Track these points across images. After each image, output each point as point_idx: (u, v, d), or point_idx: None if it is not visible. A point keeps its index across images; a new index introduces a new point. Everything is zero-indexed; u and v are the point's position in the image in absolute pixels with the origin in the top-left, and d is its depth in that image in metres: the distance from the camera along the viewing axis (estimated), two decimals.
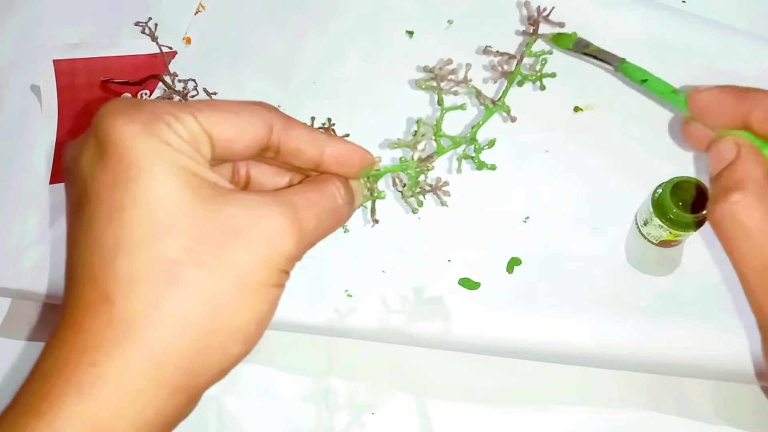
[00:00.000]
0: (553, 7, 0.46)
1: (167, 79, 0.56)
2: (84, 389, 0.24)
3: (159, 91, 0.59)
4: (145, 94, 0.60)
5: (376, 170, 0.36)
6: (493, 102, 0.40)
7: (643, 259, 0.53)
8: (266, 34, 0.61)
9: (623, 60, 0.44)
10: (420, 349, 0.52)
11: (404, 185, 0.39)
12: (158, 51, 0.58)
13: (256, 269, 0.26)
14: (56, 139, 0.59)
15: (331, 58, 0.61)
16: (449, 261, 0.52)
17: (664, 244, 0.52)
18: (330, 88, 0.59)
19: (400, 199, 0.55)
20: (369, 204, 0.38)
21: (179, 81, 0.56)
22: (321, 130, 0.47)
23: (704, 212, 0.49)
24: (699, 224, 0.50)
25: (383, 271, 0.52)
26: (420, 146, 0.38)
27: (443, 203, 0.40)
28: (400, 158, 0.39)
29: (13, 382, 0.52)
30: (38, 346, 0.53)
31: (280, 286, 0.27)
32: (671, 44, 0.58)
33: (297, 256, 0.27)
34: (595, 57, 0.47)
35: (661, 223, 0.50)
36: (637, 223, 0.54)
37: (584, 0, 0.59)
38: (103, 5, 0.64)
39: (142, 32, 0.56)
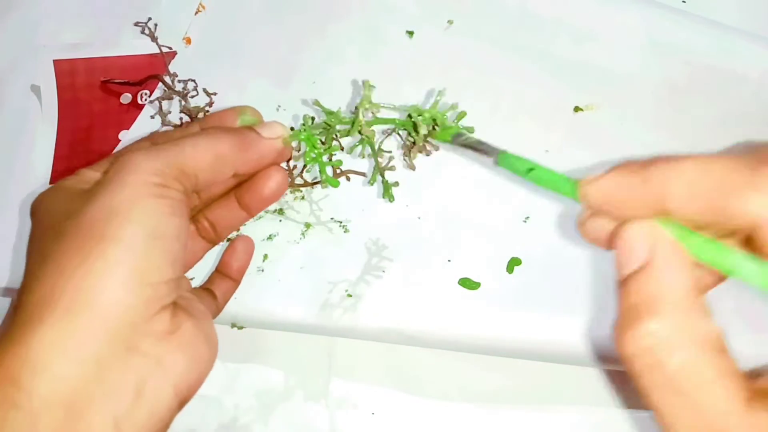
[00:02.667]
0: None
1: (167, 79, 0.56)
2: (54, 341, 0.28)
3: (159, 91, 0.59)
4: (145, 94, 0.60)
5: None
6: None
7: None
8: (266, 34, 0.61)
9: (503, 151, 0.37)
10: (420, 349, 0.52)
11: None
12: (158, 51, 0.57)
13: (123, 190, 0.32)
14: (56, 139, 0.59)
15: (331, 58, 0.61)
16: (449, 261, 0.52)
17: None
18: (330, 88, 0.59)
19: (400, 199, 0.55)
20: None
21: (179, 81, 0.55)
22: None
23: None
24: None
25: (383, 271, 0.52)
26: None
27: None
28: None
29: None
30: None
31: (159, 196, 0.32)
32: (671, 44, 0.58)
33: (162, 170, 0.32)
34: (473, 149, 0.41)
35: None
36: None
37: (584, 0, 0.59)
38: (103, 5, 0.64)
39: (142, 32, 0.56)
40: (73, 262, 0.29)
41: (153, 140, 0.40)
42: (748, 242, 0.25)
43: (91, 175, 0.36)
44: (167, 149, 0.33)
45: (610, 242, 0.27)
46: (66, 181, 0.35)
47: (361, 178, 0.53)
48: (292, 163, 0.54)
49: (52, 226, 0.32)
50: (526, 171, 0.33)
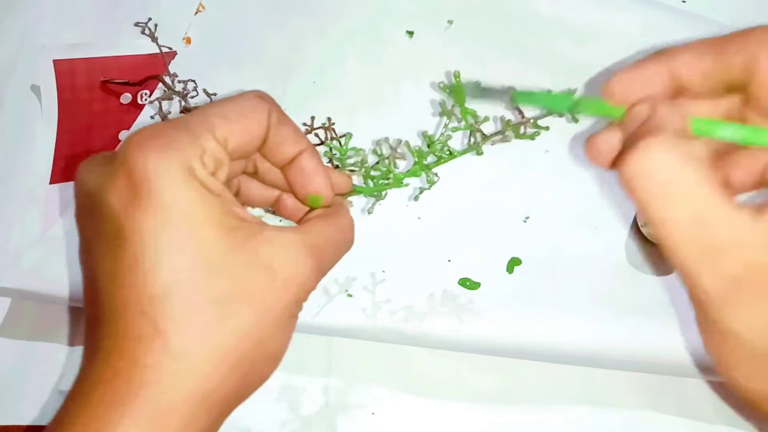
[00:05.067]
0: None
1: (167, 79, 0.56)
2: (138, 419, 0.26)
3: (159, 91, 0.59)
4: (145, 94, 0.60)
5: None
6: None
7: (643, 259, 0.53)
8: (266, 35, 0.61)
9: (511, 88, 0.39)
10: (420, 349, 0.52)
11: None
12: (158, 51, 0.57)
13: (289, 305, 0.28)
14: (56, 139, 0.59)
15: (331, 59, 0.61)
16: (449, 261, 0.52)
17: None
18: (330, 88, 0.59)
19: (401, 199, 0.55)
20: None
21: (179, 81, 0.56)
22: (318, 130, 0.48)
23: None
24: None
25: (383, 271, 0.52)
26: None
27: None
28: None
29: (13, 382, 0.52)
30: (38, 346, 0.53)
31: (296, 317, 0.30)
32: (671, 44, 0.58)
33: (313, 288, 0.30)
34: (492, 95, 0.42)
35: None
36: (637, 223, 0.54)
37: (584, 0, 0.59)
38: (103, 5, 0.64)
39: (142, 32, 0.56)
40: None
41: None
42: (748, 102, 0.30)
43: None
44: (327, 265, 0.32)
45: (610, 160, 0.31)
46: (199, 170, 0.27)
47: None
48: None
49: (100, 235, 0.27)
50: (542, 100, 0.37)
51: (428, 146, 0.43)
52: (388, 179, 0.43)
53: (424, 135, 0.45)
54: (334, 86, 0.59)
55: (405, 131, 0.58)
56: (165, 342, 0.26)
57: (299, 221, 0.35)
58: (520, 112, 0.47)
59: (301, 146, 0.33)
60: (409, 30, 0.61)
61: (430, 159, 0.46)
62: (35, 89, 0.60)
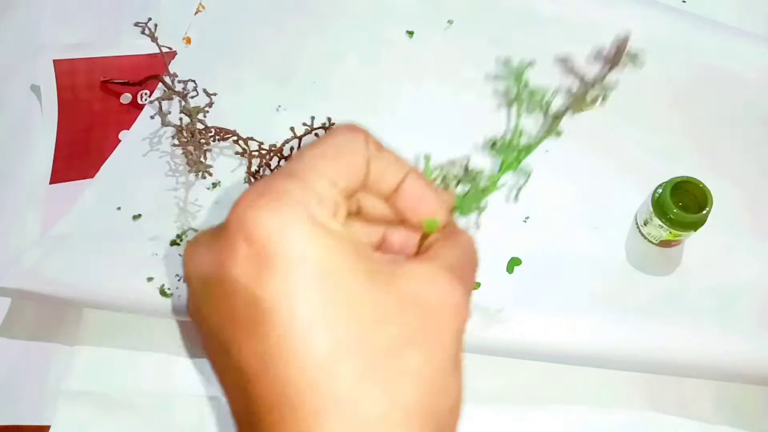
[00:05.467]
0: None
1: (167, 79, 0.56)
2: None
3: (159, 91, 0.59)
4: (145, 94, 0.60)
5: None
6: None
7: (643, 259, 0.53)
8: (266, 34, 0.61)
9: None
10: None
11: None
12: (158, 51, 0.57)
13: (455, 338, 0.25)
14: (56, 139, 0.58)
15: (331, 58, 0.60)
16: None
17: (665, 244, 0.52)
18: (330, 88, 0.59)
19: None
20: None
21: (179, 81, 0.55)
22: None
23: (704, 212, 0.49)
24: (699, 224, 0.50)
25: None
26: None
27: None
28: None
29: (13, 382, 0.52)
30: (38, 346, 0.53)
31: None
32: (671, 44, 0.58)
33: (468, 306, 0.27)
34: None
35: (661, 223, 0.50)
36: (637, 223, 0.54)
37: (584, 0, 0.59)
38: (103, 5, 0.64)
39: (142, 32, 0.56)
40: None
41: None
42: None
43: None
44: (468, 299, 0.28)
45: None
46: (321, 215, 0.25)
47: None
48: None
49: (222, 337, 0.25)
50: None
51: (508, 143, 0.41)
52: (478, 187, 0.40)
53: (494, 144, 0.42)
54: (334, 86, 0.59)
55: (406, 131, 0.58)
56: (349, 409, 0.22)
57: (419, 251, 0.31)
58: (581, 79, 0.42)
59: (404, 170, 0.29)
60: (409, 30, 0.61)
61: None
62: (35, 89, 0.60)
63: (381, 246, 0.31)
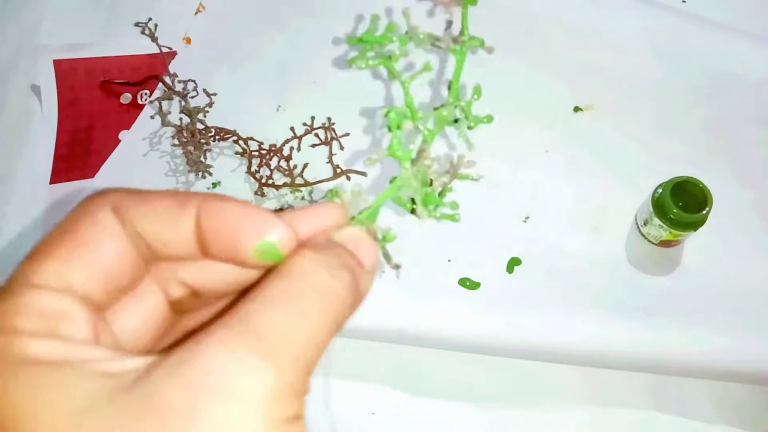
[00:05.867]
0: None
1: (167, 79, 0.56)
2: None
3: (159, 91, 0.59)
4: (145, 94, 0.60)
5: (369, 209, 0.26)
6: (456, 40, 0.30)
7: (643, 259, 0.53)
8: (266, 35, 0.61)
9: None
10: (420, 349, 0.52)
11: (414, 202, 0.30)
12: (158, 51, 0.57)
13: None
14: (56, 139, 0.58)
15: (331, 58, 0.61)
16: (449, 261, 0.52)
17: (664, 244, 0.52)
18: (330, 88, 0.59)
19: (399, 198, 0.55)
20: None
21: (179, 81, 0.56)
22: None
23: (704, 212, 0.49)
24: (699, 224, 0.50)
25: (383, 271, 0.52)
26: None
27: (474, 178, 0.29)
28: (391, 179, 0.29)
29: None
30: None
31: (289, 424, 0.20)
32: (671, 44, 0.58)
33: (290, 385, 0.19)
34: None
35: (661, 223, 0.50)
36: (637, 223, 0.54)
37: (584, 0, 0.59)
38: (103, 5, 0.64)
39: (142, 32, 0.56)
40: None
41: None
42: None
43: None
44: (291, 338, 0.19)
45: None
46: (25, 346, 0.18)
47: (363, 177, 0.53)
48: (292, 163, 0.54)
49: None
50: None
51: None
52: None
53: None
54: (334, 86, 0.59)
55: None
56: None
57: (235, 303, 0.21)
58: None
59: (190, 206, 0.21)
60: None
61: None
62: (35, 89, 0.60)
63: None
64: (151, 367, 0.18)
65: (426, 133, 0.29)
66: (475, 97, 0.31)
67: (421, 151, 0.29)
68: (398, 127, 0.28)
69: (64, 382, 0.18)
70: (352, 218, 0.25)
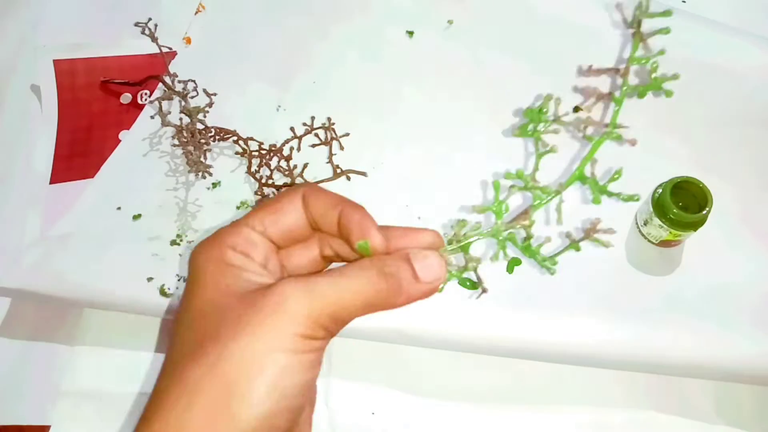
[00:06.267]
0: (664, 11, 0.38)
1: (167, 79, 0.56)
2: None
3: (159, 91, 0.59)
4: (145, 94, 0.60)
5: (457, 244, 0.36)
6: (598, 131, 0.36)
7: (643, 259, 0.53)
8: (266, 34, 0.61)
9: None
10: (420, 349, 0.52)
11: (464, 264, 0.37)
12: (158, 51, 0.57)
13: (265, 335, 0.29)
14: (56, 139, 0.58)
15: (331, 58, 0.61)
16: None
17: (664, 244, 0.52)
18: (330, 87, 0.59)
19: (401, 198, 0.55)
20: (471, 275, 0.37)
21: (179, 81, 0.56)
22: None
23: (704, 212, 0.49)
24: (699, 224, 0.50)
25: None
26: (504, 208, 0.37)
27: (606, 244, 0.37)
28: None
29: (13, 382, 0.52)
30: (38, 346, 0.53)
31: (301, 351, 0.30)
32: (671, 44, 0.58)
33: (314, 318, 0.30)
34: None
35: (660, 223, 0.50)
36: (637, 223, 0.54)
37: (584, 0, 0.59)
38: (103, 5, 0.64)
39: (142, 32, 0.56)
40: (200, 414, 0.29)
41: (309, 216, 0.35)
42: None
43: (257, 253, 0.34)
44: (327, 294, 0.31)
45: None
46: (230, 254, 0.33)
47: (363, 177, 0.53)
48: (292, 163, 0.54)
49: (201, 315, 0.32)
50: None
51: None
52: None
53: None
54: (334, 86, 0.59)
55: (405, 131, 0.58)
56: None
57: None
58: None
59: (340, 206, 0.34)
60: (409, 30, 0.61)
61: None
62: (35, 89, 0.60)
63: None
64: (268, 284, 0.31)
65: (538, 197, 0.37)
66: (615, 177, 0.38)
67: (524, 212, 0.37)
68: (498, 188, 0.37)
69: (233, 276, 0.32)
70: (449, 243, 0.36)
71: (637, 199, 0.36)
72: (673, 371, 0.50)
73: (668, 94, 0.36)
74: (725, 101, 0.57)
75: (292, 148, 0.54)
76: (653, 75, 0.36)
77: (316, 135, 0.54)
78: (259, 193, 0.55)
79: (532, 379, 0.52)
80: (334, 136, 0.54)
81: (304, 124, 0.54)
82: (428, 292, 0.35)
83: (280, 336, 0.30)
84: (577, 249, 0.37)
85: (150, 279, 0.50)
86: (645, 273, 0.52)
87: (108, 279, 0.50)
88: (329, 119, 0.54)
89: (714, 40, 0.58)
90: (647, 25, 0.36)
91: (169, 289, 0.50)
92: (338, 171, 0.53)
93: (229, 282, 0.31)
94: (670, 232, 0.50)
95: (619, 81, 0.36)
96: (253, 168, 0.55)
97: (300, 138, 0.54)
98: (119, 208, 0.55)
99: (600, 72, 0.36)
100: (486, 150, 0.57)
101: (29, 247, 0.52)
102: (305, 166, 0.54)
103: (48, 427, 0.50)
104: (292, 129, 0.54)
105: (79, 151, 0.58)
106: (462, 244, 0.36)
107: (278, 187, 0.55)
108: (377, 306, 0.32)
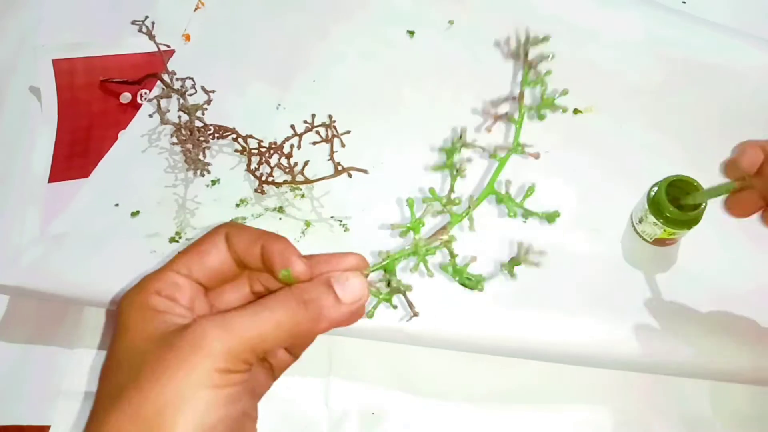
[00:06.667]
0: (541, 37, 0.41)
1: (165, 77, 0.56)
2: None
3: (157, 89, 0.59)
4: (145, 93, 0.60)
5: (380, 263, 0.36)
6: (501, 149, 0.39)
7: (638, 258, 0.53)
8: (266, 32, 0.61)
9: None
10: (420, 349, 0.52)
11: (388, 284, 0.37)
12: (156, 49, 0.57)
13: (183, 375, 0.30)
14: (56, 139, 0.58)
15: (331, 57, 0.61)
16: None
17: (659, 242, 0.52)
18: (330, 87, 0.59)
19: (400, 198, 0.55)
20: (401, 297, 0.38)
21: (177, 79, 0.55)
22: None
23: (698, 210, 0.49)
24: (693, 223, 0.50)
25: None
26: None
27: (537, 265, 0.38)
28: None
29: (12, 383, 0.52)
30: (37, 347, 0.53)
31: (221, 386, 0.30)
32: (671, 45, 0.58)
33: (234, 354, 0.30)
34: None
35: (655, 221, 0.50)
36: (632, 222, 0.54)
37: (584, 0, 0.60)
38: (103, 5, 0.64)
39: (139, 31, 0.56)
40: None
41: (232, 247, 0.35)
42: None
43: (178, 294, 0.34)
44: (245, 328, 0.31)
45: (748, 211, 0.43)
46: (154, 299, 0.33)
47: (363, 175, 0.53)
48: (292, 160, 0.54)
49: (124, 361, 0.32)
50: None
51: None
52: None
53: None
54: (334, 85, 0.59)
55: (405, 131, 0.58)
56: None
57: None
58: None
59: (261, 240, 0.34)
60: (410, 30, 0.61)
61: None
62: (35, 89, 0.60)
63: None
64: (186, 324, 0.31)
65: (455, 215, 0.38)
66: (527, 194, 0.39)
67: (442, 228, 0.38)
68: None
69: (157, 320, 0.32)
70: (376, 267, 0.36)
71: (558, 215, 0.38)
72: (672, 371, 0.50)
73: (564, 110, 0.39)
74: (725, 101, 0.57)
75: (292, 146, 0.54)
76: (544, 95, 0.39)
77: (317, 132, 0.54)
78: (259, 190, 0.55)
79: (531, 379, 0.52)
80: (335, 133, 0.53)
81: (305, 122, 0.54)
82: (352, 314, 0.34)
83: (200, 373, 0.29)
84: (512, 274, 0.39)
85: None
86: (641, 272, 0.52)
87: (106, 276, 0.50)
88: (330, 117, 0.54)
89: (714, 41, 0.58)
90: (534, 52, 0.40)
91: None
92: (339, 168, 0.53)
93: (151, 327, 0.32)
94: (665, 230, 0.50)
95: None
96: (253, 166, 0.55)
97: (301, 135, 0.54)
98: (117, 205, 0.55)
99: (497, 104, 0.40)
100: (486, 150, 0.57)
101: (28, 246, 0.52)
102: (306, 163, 0.54)
103: (48, 427, 0.50)
104: (292, 126, 0.54)
105: (79, 151, 0.58)
106: (385, 263, 0.36)
107: (278, 185, 0.55)
108: (301, 334, 0.33)
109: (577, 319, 0.50)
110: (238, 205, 0.55)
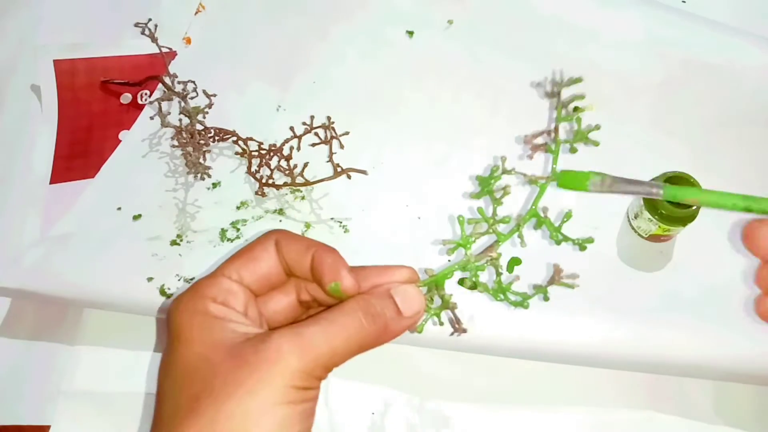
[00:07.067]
0: (574, 78, 0.42)
1: (167, 80, 0.56)
2: None
3: (159, 91, 0.59)
4: (145, 94, 0.60)
5: (432, 277, 0.37)
6: (545, 177, 0.40)
7: (633, 254, 0.53)
8: (266, 35, 0.61)
9: (666, 186, 0.39)
10: (420, 349, 0.52)
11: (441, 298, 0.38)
12: (158, 51, 0.57)
13: (261, 391, 0.30)
14: (56, 140, 0.59)
15: (331, 58, 0.61)
16: (449, 261, 0.52)
17: (654, 238, 0.52)
18: (330, 88, 0.59)
19: (401, 198, 0.55)
20: (448, 314, 0.38)
21: (179, 82, 0.55)
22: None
23: (694, 207, 0.49)
24: (688, 220, 0.50)
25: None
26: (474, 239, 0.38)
27: (571, 286, 0.40)
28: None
29: (13, 382, 0.52)
30: (39, 346, 0.53)
31: (297, 402, 0.30)
32: (671, 44, 0.58)
33: (308, 371, 0.31)
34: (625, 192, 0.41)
35: (650, 217, 0.50)
36: (628, 217, 0.54)
37: (584, 0, 0.59)
38: (103, 5, 0.64)
39: (142, 33, 0.56)
40: None
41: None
42: None
43: (238, 301, 0.34)
44: (319, 345, 0.31)
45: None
46: (211, 305, 0.33)
47: (363, 176, 0.53)
48: (292, 162, 0.54)
49: (193, 371, 0.31)
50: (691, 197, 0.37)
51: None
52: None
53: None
54: (334, 86, 0.60)
55: (405, 131, 0.58)
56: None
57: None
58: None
59: (312, 250, 0.34)
60: (409, 30, 0.61)
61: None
62: (35, 89, 0.60)
63: None
64: (256, 336, 0.31)
65: (500, 234, 0.39)
66: (564, 220, 0.41)
67: (490, 246, 0.39)
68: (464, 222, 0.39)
69: (219, 328, 0.32)
70: (424, 281, 0.37)
71: (592, 241, 0.40)
72: (672, 371, 0.50)
73: (595, 143, 0.41)
74: (725, 101, 0.57)
75: (292, 148, 0.54)
76: (577, 129, 0.41)
77: (316, 134, 0.54)
78: (259, 193, 0.55)
79: (531, 379, 0.52)
80: (334, 134, 0.53)
81: (304, 123, 0.54)
82: (409, 327, 0.35)
83: (276, 391, 0.30)
84: (546, 297, 0.40)
85: (150, 279, 0.50)
86: (636, 269, 0.52)
87: (108, 279, 0.50)
88: (329, 118, 0.54)
89: (714, 40, 0.58)
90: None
91: (169, 289, 0.50)
92: (339, 170, 0.53)
93: (215, 335, 0.32)
94: (659, 226, 0.50)
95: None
96: (253, 168, 0.55)
97: (300, 137, 0.54)
98: (119, 209, 0.55)
99: (535, 136, 0.41)
100: (486, 150, 0.57)
101: (29, 247, 0.52)
102: (305, 165, 0.54)
103: (48, 427, 0.50)
104: (291, 128, 0.54)
105: (79, 152, 0.58)
106: (436, 277, 0.37)
107: (279, 187, 0.55)
108: (366, 348, 0.33)
109: (578, 318, 0.50)
110: (238, 208, 0.55)
